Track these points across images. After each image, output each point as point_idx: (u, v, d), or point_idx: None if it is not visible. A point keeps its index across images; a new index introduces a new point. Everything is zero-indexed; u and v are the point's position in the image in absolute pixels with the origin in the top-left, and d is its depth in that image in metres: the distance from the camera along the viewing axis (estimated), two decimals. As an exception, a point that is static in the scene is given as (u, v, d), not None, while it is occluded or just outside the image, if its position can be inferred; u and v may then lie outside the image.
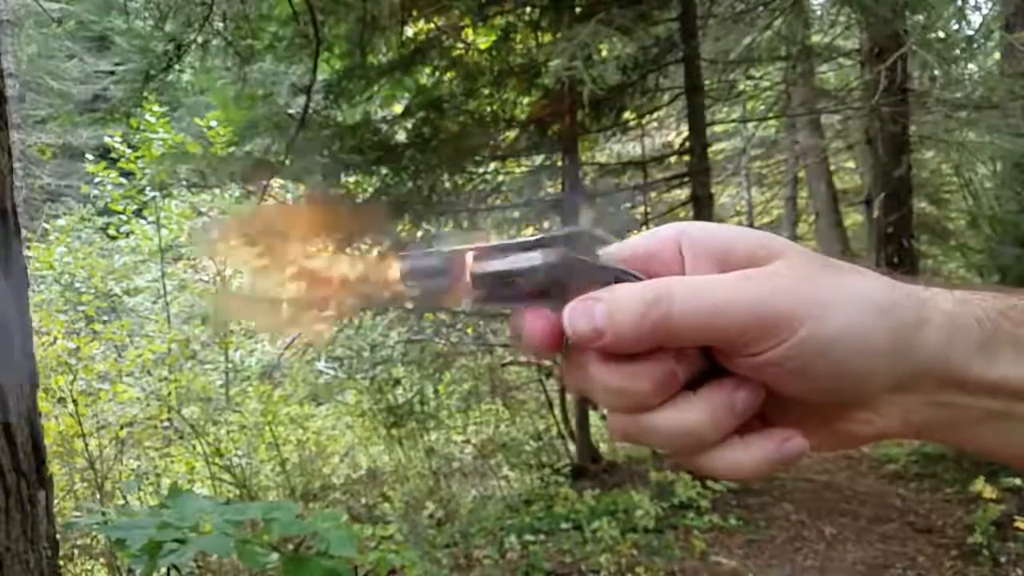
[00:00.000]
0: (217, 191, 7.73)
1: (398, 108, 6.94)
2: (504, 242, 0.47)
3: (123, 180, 10.49)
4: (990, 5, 8.38)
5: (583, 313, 0.43)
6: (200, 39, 5.09)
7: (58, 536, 1.72)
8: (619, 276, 0.46)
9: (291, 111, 6.11)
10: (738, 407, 0.44)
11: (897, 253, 7.60)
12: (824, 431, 0.47)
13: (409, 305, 6.44)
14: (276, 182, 6.36)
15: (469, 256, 0.47)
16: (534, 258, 0.46)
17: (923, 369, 0.43)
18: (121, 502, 3.90)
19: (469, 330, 7.39)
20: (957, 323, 0.43)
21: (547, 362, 7.17)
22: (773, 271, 0.43)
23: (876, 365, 0.42)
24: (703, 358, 0.45)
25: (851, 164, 11.65)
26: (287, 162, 5.73)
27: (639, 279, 0.45)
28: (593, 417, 7.10)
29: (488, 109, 6.25)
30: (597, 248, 0.47)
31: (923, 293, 0.44)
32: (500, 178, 6.70)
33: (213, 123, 9.20)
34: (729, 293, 0.42)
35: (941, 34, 6.44)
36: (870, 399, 0.44)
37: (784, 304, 0.41)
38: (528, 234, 0.50)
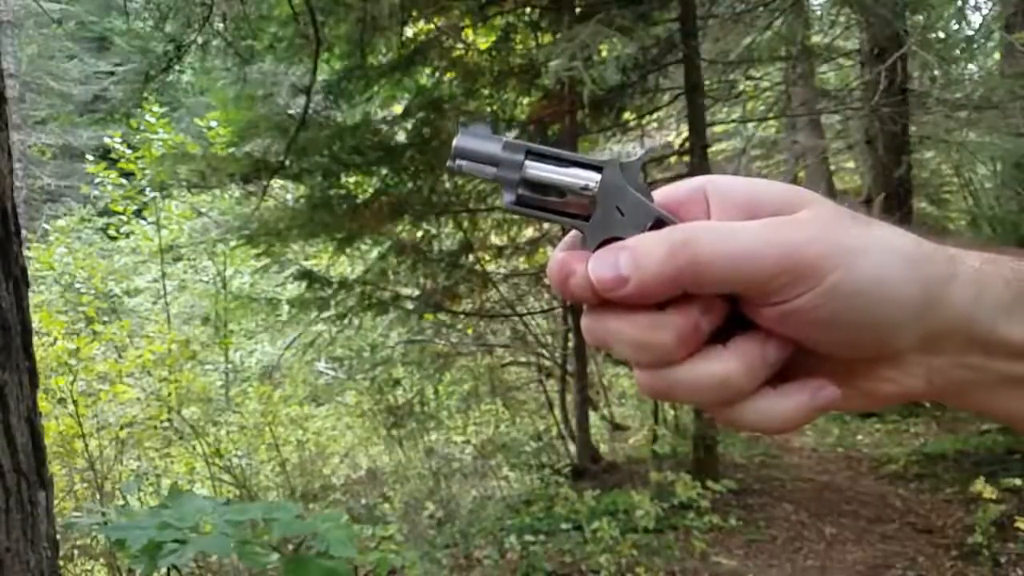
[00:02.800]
0: (217, 191, 7.73)
1: (398, 108, 6.94)
2: (563, 152, 0.47)
3: (123, 181, 10.49)
4: (990, 5, 8.38)
5: (607, 262, 0.43)
6: (200, 40, 5.09)
7: (58, 536, 1.72)
8: (660, 219, 0.45)
9: (291, 111, 6.11)
10: (770, 357, 0.44)
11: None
12: (848, 389, 0.46)
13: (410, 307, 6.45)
14: (276, 182, 6.36)
15: (525, 153, 0.47)
16: (590, 178, 0.46)
17: (950, 326, 0.42)
18: (121, 503, 3.90)
19: (469, 331, 7.39)
20: (985, 280, 0.43)
21: (548, 362, 7.18)
22: (802, 218, 0.43)
23: (904, 317, 0.42)
24: (728, 310, 0.44)
25: (851, 164, 11.64)
26: (287, 162, 5.73)
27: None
28: (593, 417, 7.10)
29: (488, 109, 6.25)
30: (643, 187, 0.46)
31: (951, 249, 0.44)
32: (500, 178, 6.69)
33: (213, 123, 9.20)
34: (758, 237, 0.41)
35: (941, 34, 6.44)
36: (896, 356, 0.44)
37: (814, 250, 0.41)
38: (581, 158, 0.50)
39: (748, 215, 0.44)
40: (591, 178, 0.46)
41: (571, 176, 0.46)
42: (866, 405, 0.48)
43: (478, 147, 0.47)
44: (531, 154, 0.47)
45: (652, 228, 0.45)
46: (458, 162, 0.47)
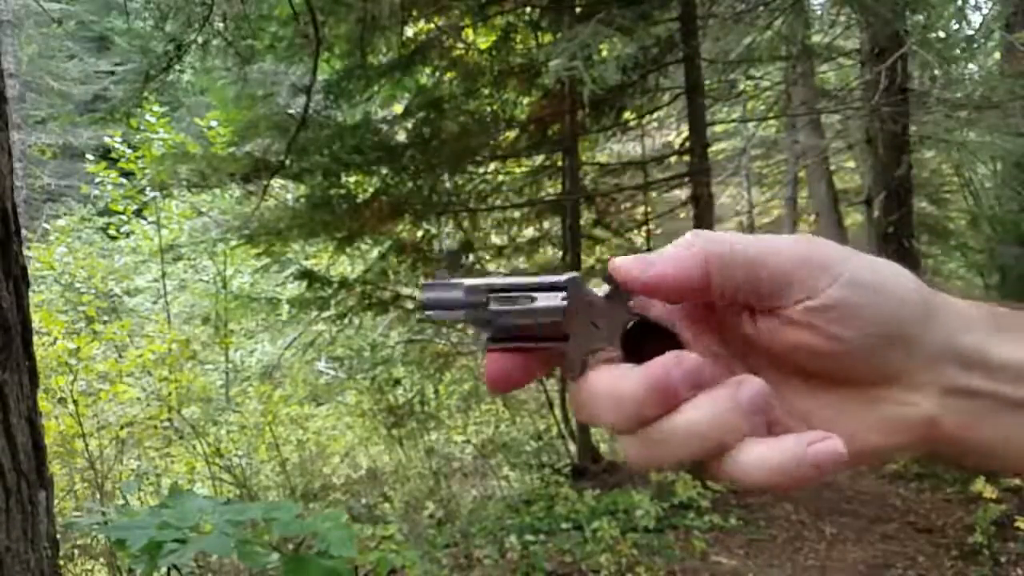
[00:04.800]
0: (217, 191, 7.73)
1: (398, 108, 6.94)
2: (524, 280, 0.47)
3: (123, 180, 10.49)
4: (990, 5, 8.38)
5: (630, 256, 0.45)
6: (200, 39, 5.09)
7: (58, 536, 1.72)
8: (641, 319, 0.46)
9: (291, 111, 6.11)
10: (743, 401, 0.42)
11: (897, 253, 7.60)
12: (870, 417, 0.44)
13: (410, 305, 6.45)
14: (276, 182, 6.35)
15: (487, 294, 0.48)
16: (556, 299, 0.46)
17: (946, 343, 0.44)
18: (121, 502, 3.90)
19: (470, 331, 7.39)
20: (971, 312, 0.45)
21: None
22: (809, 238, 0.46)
23: (912, 317, 0.43)
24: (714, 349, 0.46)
25: (851, 164, 11.63)
26: (287, 162, 5.73)
27: (659, 325, 0.46)
28: (593, 417, 7.08)
29: (488, 109, 6.25)
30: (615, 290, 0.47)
31: (937, 288, 0.46)
32: (500, 178, 6.70)
33: (213, 123, 9.19)
34: (775, 240, 0.44)
35: (941, 34, 6.43)
36: (907, 371, 0.44)
37: (826, 250, 0.44)
38: (533, 269, 0.50)
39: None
40: (557, 298, 0.46)
41: (537, 305, 0.47)
42: (893, 435, 0.45)
43: (442, 296, 0.48)
44: (492, 292, 0.47)
45: (632, 328, 0.46)
46: (427, 313, 0.49)
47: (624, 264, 0.44)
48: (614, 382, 0.44)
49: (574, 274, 0.47)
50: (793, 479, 0.42)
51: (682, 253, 0.44)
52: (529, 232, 6.96)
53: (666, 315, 0.47)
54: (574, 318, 0.46)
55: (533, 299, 0.47)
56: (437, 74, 6.33)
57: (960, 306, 0.45)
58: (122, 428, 5.29)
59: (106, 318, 8.87)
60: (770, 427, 0.43)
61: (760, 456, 0.42)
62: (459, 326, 7.29)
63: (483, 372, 0.47)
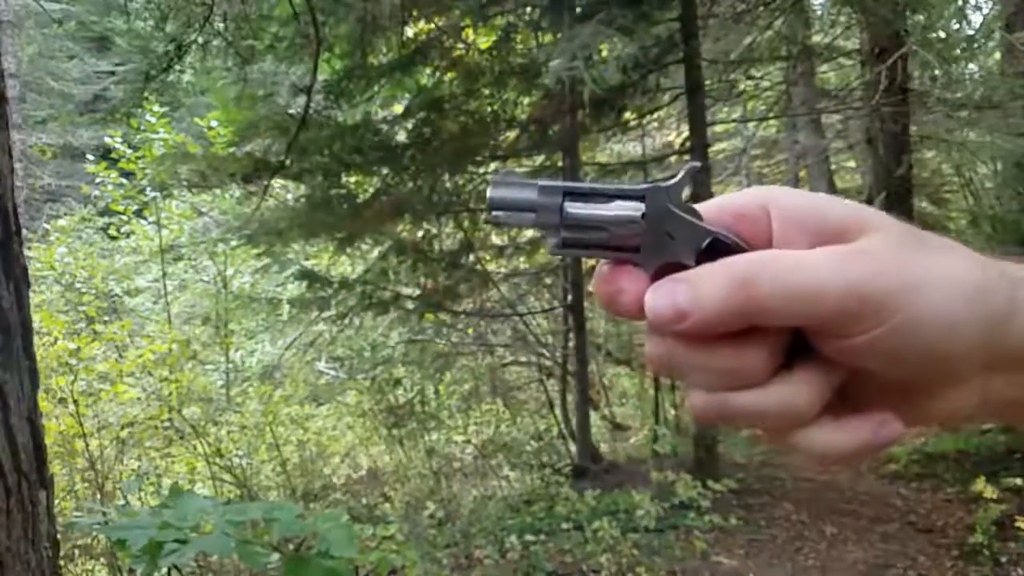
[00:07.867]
0: (217, 191, 7.73)
1: (398, 108, 6.94)
2: (601, 186, 0.45)
3: (124, 180, 10.49)
4: (990, 5, 8.38)
5: (666, 295, 0.42)
6: (201, 39, 5.09)
7: (59, 536, 1.72)
8: (717, 238, 0.44)
9: (291, 111, 6.11)
10: (835, 382, 0.43)
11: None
12: (905, 409, 0.45)
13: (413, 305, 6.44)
14: (276, 182, 6.35)
15: (563, 195, 0.45)
16: (635, 208, 0.44)
17: (1011, 352, 0.42)
18: (122, 502, 3.90)
19: (470, 330, 7.39)
20: None
21: (548, 362, 7.18)
22: (867, 249, 0.41)
23: (966, 349, 0.41)
24: (792, 334, 0.43)
25: (851, 164, 11.64)
26: (288, 162, 5.73)
27: (737, 243, 0.43)
28: (594, 417, 7.10)
29: (488, 109, 6.25)
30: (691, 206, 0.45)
31: (1016, 272, 0.43)
32: (500, 178, 6.69)
33: (213, 123, 9.19)
34: (823, 274, 0.40)
35: (941, 34, 6.43)
36: (957, 379, 0.43)
37: (877, 287, 0.40)
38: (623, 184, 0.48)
39: (811, 235, 0.43)
40: (635, 208, 0.44)
41: (614, 210, 0.44)
42: (920, 423, 0.47)
43: (514, 196, 0.45)
44: (569, 195, 0.45)
45: (707, 248, 0.44)
46: (495, 214, 0.46)
47: (657, 310, 0.42)
48: (713, 360, 0.42)
49: (656, 183, 0.45)
50: (859, 459, 0.44)
51: (717, 303, 0.41)
52: (529, 232, 6.95)
53: (745, 237, 0.44)
54: (651, 228, 0.44)
55: (610, 205, 0.44)
56: (437, 74, 6.34)
57: None
58: (122, 428, 5.29)
59: (106, 318, 8.87)
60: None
61: (831, 441, 0.43)
62: (459, 326, 7.31)
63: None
